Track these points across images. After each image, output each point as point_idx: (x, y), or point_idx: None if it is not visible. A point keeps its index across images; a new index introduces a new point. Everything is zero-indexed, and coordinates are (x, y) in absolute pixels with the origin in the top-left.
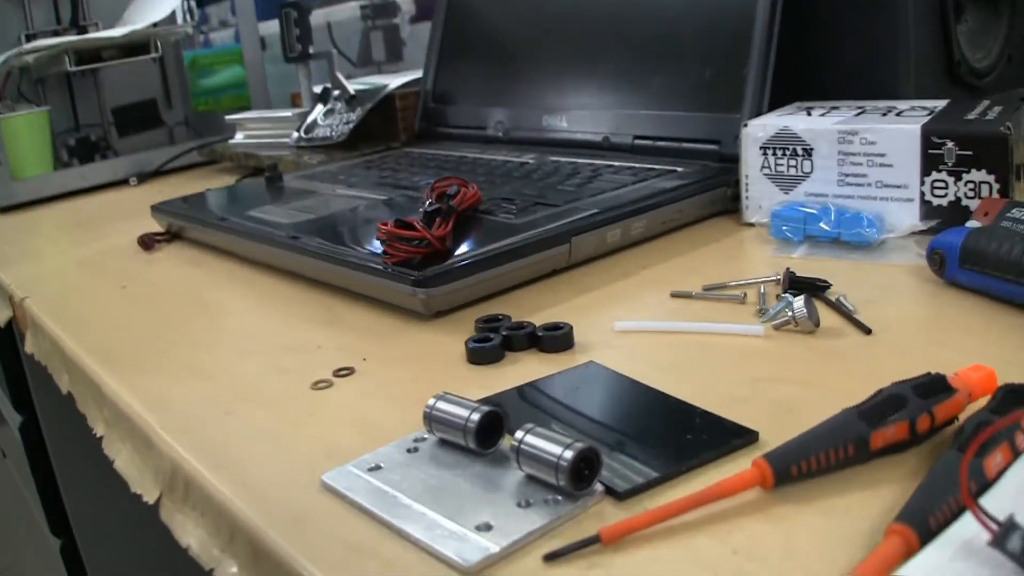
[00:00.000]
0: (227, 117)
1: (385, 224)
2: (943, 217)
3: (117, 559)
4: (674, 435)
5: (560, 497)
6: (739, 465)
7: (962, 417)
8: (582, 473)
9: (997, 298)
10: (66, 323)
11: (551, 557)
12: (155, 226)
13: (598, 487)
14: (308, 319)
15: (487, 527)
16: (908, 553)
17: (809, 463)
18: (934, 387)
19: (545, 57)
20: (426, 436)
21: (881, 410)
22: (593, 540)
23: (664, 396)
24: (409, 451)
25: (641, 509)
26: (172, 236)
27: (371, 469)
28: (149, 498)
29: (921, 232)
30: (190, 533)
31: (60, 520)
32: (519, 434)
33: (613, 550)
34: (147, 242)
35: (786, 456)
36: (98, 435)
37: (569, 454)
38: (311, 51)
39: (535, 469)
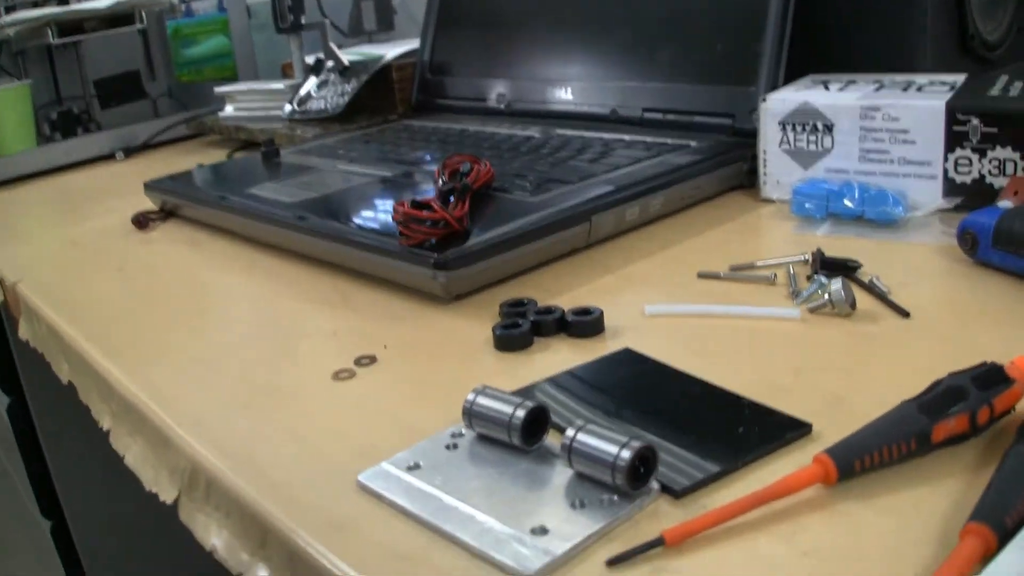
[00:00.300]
0: (216, 89)
1: (401, 204)
2: (966, 195)
3: (110, 541)
4: (725, 428)
5: (616, 497)
6: (793, 459)
7: (1019, 408)
8: (638, 472)
9: None
10: (62, 309)
11: (614, 562)
12: (147, 203)
13: (654, 486)
14: (318, 302)
15: (542, 530)
16: (987, 553)
17: (872, 458)
18: (992, 377)
19: (548, 26)
20: (463, 431)
21: (941, 403)
22: (657, 543)
23: (709, 386)
24: (448, 448)
25: (698, 507)
26: (167, 214)
27: (410, 468)
28: (167, 498)
29: (945, 210)
30: (214, 535)
31: (51, 502)
32: (570, 432)
33: (677, 552)
34: (141, 221)
35: (848, 451)
36: (104, 428)
37: (627, 454)
38: (303, 21)
39: (589, 468)
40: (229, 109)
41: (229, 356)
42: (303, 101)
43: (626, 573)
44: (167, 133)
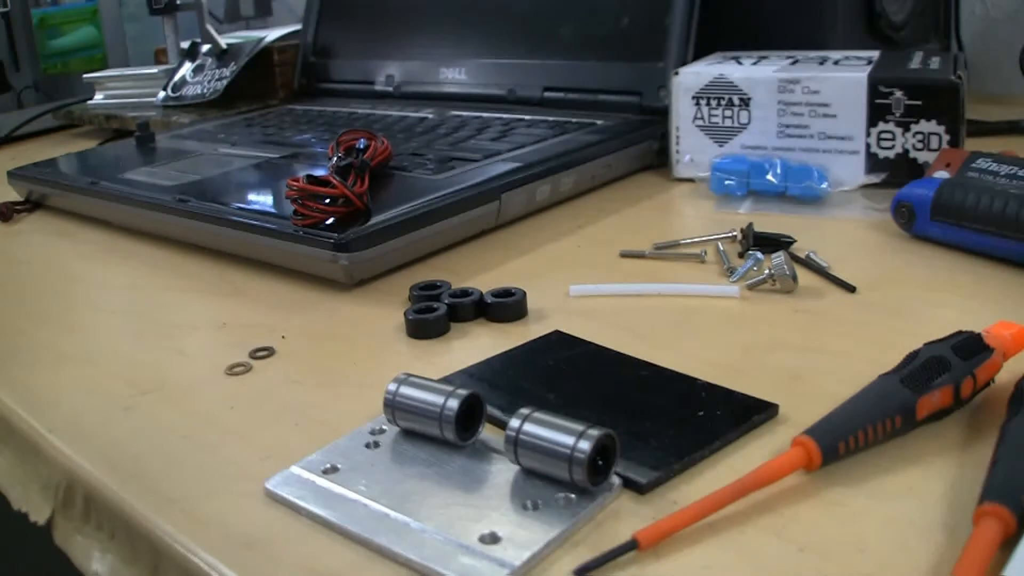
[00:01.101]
0: (85, 76)
1: (296, 180)
2: (889, 170)
3: None
4: (683, 413)
5: (573, 495)
6: (763, 444)
7: (998, 379)
8: (596, 465)
9: (973, 251)
10: None
11: (583, 571)
12: (11, 195)
13: (615, 480)
14: (204, 292)
15: (493, 538)
16: (1007, 535)
17: (856, 438)
18: (972, 347)
19: (440, 2)
20: (384, 427)
21: (924, 375)
22: (629, 546)
23: (655, 367)
24: (368, 447)
25: (666, 503)
26: (34, 205)
27: (326, 471)
28: (38, 518)
29: (868, 186)
30: (96, 560)
31: None
32: (515, 423)
33: (654, 556)
34: (5, 212)
35: (831, 432)
36: None
37: (585, 444)
38: (178, 2)
39: (539, 463)
40: (99, 97)
41: (107, 353)
42: (178, 87)
43: None
44: (33, 125)
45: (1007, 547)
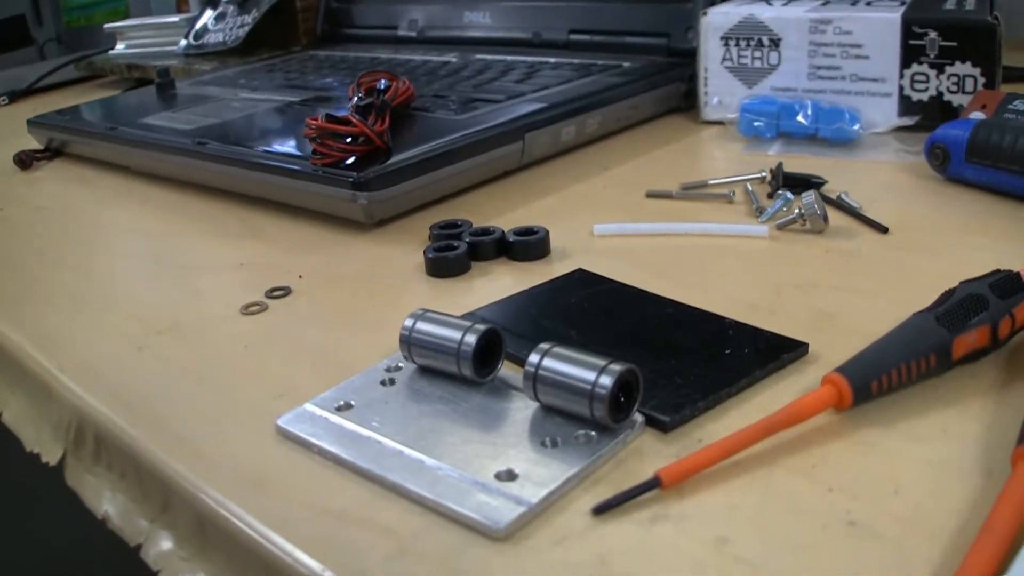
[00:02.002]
0: (106, 26)
1: (315, 119)
2: (923, 113)
3: None
4: (709, 351)
5: (593, 432)
6: (792, 383)
7: None
8: (618, 401)
9: (1009, 194)
10: None
11: (602, 509)
12: (32, 144)
13: (638, 418)
14: (222, 235)
15: (509, 475)
16: None
17: (889, 377)
18: (1011, 285)
19: None
20: (401, 364)
21: (960, 313)
22: (652, 484)
23: (682, 306)
24: (383, 384)
25: (691, 442)
26: (53, 153)
27: (339, 408)
28: (50, 458)
29: (901, 129)
30: (107, 500)
31: None
32: (534, 358)
33: (677, 495)
34: (25, 160)
35: (864, 371)
36: None
37: (607, 380)
38: None
39: (559, 399)
40: (120, 47)
41: (122, 295)
42: (200, 34)
43: (617, 522)
44: (55, 76)
45: None
